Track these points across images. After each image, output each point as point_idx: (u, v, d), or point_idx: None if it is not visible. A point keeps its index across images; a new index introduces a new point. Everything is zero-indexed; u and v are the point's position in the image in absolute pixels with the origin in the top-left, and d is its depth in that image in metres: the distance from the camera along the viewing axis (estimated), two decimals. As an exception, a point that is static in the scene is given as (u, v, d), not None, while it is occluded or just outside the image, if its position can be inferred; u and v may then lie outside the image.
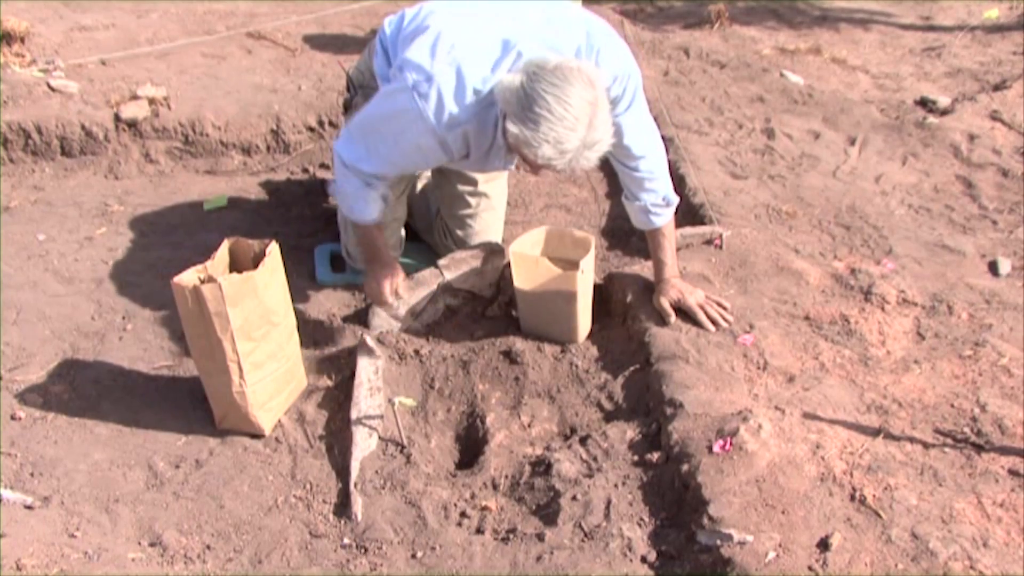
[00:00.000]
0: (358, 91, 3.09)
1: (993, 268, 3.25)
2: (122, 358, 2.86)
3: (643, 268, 3.07)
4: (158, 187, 3.88)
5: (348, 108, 3.19)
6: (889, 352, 2.77)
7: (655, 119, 4.10)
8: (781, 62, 4.98)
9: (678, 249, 3.18)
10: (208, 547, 2.25)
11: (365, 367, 2.70)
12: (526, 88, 2.34)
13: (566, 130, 2.32)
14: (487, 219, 3.27)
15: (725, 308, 2.84)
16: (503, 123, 2.48)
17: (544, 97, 2.31)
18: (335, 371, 2.83)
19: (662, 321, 2.80)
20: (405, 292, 2.90)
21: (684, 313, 2.82)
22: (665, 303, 2.81)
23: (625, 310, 2.93)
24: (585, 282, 2.82)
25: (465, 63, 2.50)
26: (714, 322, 2.79)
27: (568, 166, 2.42)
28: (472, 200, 3.24)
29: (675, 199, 2.89)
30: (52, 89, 4.07)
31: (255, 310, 2.45)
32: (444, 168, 3.16)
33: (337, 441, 2.58)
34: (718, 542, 2.09)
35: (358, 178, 2.73)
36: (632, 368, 2.73)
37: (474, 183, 3.22)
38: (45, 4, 5.02)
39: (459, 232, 3.29)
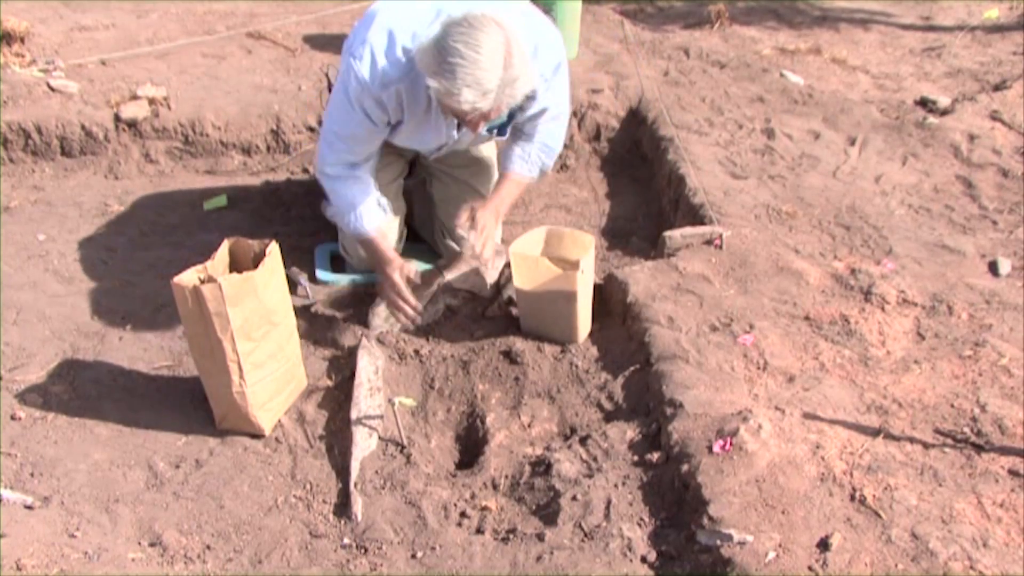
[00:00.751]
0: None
1: (993, 268, 3.25)
2: (122, 358, 2.86)
3: (643, 268, 3.07)
4: (158, 187, 3.88)
5: None
6: (889, 352, 2.77)
7: (655, 119, 4.15)
8: (781, 62, 4.98)
9: (678, 249, 3.19)
10: (208, 547, 2.25)
11: (365, 367, 2.71)
12: (439, 43, 2.44)
13: (483, 71, 2.41)
14: None
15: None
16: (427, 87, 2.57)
17: (455, 46, 2.40)
18: (335, 371, 2.83)
19: (663, 321, 2.80)
20: (416, 277, 2.91)
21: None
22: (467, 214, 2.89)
23: (625, 310, 2.93)
24: (585, 282, 2.82)
25: (396, 26, 2.63)
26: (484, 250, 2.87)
27: (495, 105, 2.51)
28: (468, 199, 3.24)
29: (552, 159, 3.10)
30: (52, 89, 4.07)
31: (255, 310, 2.45)
32: (435, 166, 3.21)
33: (337, 441, 2.58)
34: (718, 542, 2.09)
35: (335, 179, 2.85)
36: (632, 368, 2.73)
37: (473, 184, 3.23)
38: (45, 4, 5.02)
39: (460, 232, 3.29)
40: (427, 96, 2.67)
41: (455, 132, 2.92)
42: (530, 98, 2.78)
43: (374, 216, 2.90)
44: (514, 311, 3.01)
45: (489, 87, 2.43)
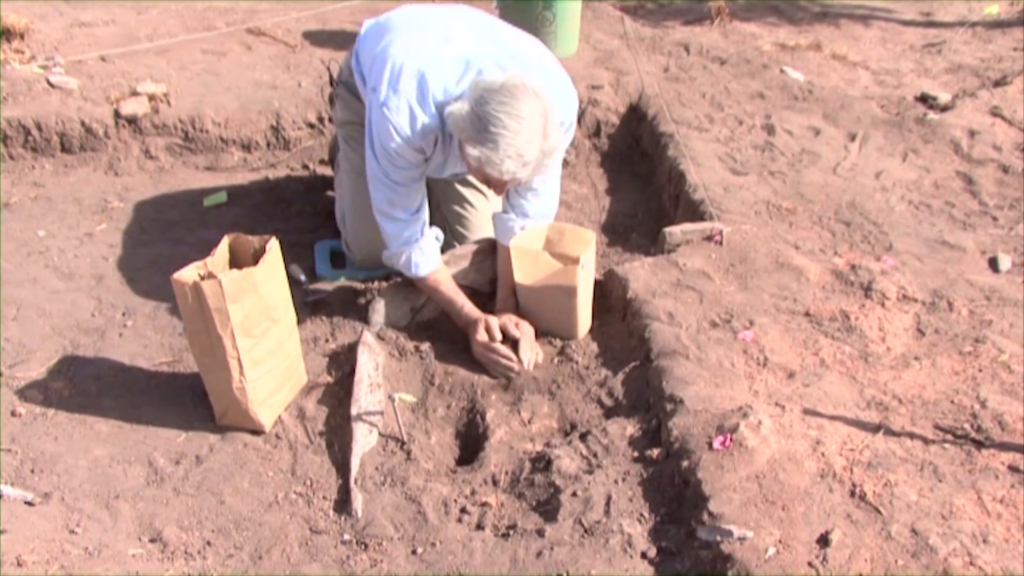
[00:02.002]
0: (339, 84, 3.20)
1: (993, 264, 3.25)
2: (122, 354, 2.86)
3: (643, 264, 3.07)
4: (158, 183, 3.88)
5: (332, 101, 3.32)
6: (889, 348, 2.77)
7: (655, 116, 4.15)
8: (781, 58, 4.97)
9: (678, 245, 3.18)
10: (208, 543, 2.25)
11: (365, 363, 2.70)
12: (477, 112, 2.46)
13: (525, 142, 2.44)
14: (486, 215, 3.27)
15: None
16: (460, 149, 2.61)
17: (497, 115, 2.43)
18: (335, 367, 2.83)
19: (663, 317, 2.80)
20: (512, 330, 2.84)
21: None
22: (497, 322, 2.84)
23: (625, 306, 2.93)
24: (585, 277, 2.82)
25: (425, 74, 2.64)
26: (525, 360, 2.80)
27: (532, 174, 2.56)
28: (470, 196, 3.26)
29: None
30: (52, 85, 4.07)
31: (255, 306, 2.45)
32: None
33: (337, 437, 2.58)
34: (718, 538, 2.09)
35: (402, 228, 2.85)
36: (632, 364, 2.73)
37: (477, 185, 3.23)
38: (45, 1, 5.02)
39: (458, 228, 3.30)
40: (453, 144, 2.72)
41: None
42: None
43: (429, 254, 2.91)
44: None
45: (530, 158, 2.47)
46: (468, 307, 2.91)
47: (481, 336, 2.80)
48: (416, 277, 2.93)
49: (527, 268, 2.84)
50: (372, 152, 2.78)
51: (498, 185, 2.63)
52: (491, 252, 3.09)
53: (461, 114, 2.50)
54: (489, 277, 3.11)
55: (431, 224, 3.42)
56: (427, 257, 2.90)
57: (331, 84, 3.33)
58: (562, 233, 2.96)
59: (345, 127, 3.21)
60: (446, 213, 3.32)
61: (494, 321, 2.83)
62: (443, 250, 3.22)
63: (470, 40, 2.74)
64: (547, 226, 2.97)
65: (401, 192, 2.81)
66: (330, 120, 4.07)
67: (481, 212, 3.28)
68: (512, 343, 2.80)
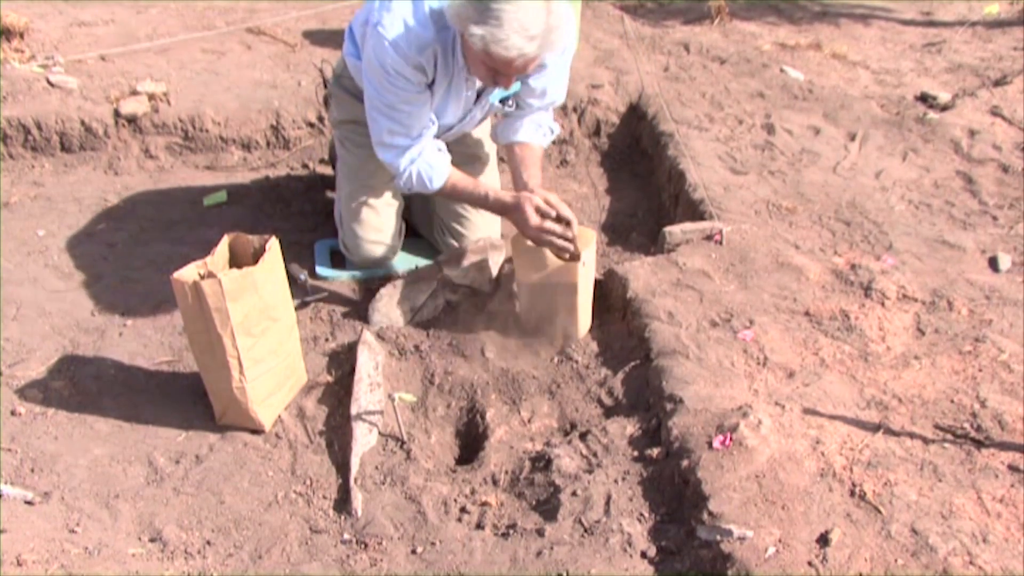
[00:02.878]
0: (334, 83, 3.22)
1: (993, 264, 3.25)
2: (122, 354, 2.86)
3: (643, 263, 3.07)
4: (158, 183, 3.88)
5: (327, 101, 3.32)
6: (889, 348, 2.77)
7: (655, 115, 4.15)
8: (781, 58, 4.97)
9: (677, 245, 3.18)
10: (208, 543, 2.25)
11: (365, 363, 2.71)
12: None
13: (529, 16, 2.44)
14: (483, 217, 3.28)
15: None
16: (462, 38, 2.59)
17: None
18: (335, 367, 2.83)
19: (663, 317, 2.80)
20: (557, 202, 2.77)
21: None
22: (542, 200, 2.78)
23: (625, 306, 2.93)
24: (586, 275, 2.82)
25: None
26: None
27: (539, 52, 2.53)
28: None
29: (558, 131, 3.16)
30: (51, 85, 4.06)
31: (255, 306, 2.45)
32: None
33: (337, 437, 2.58)
34: (718, 537, 2.09)
35: (400, 151, 2.82)
36: (632, 364, 2.73)
37: None
38: (44, 0, 5.01)
39: (457, 228, 3.30)
40: (453, 57, 2.71)
41: (473, 104, 2.95)
42: (542, 66, 2.80)
43: (442, 163, 2.89)
44: (516, 306, 3.01)
45: (535, 32, 2.45)
46: (499, 194, 2.89)
47: (534, 219, 2.73)
48: (434, 190, 2.91)
49: (529, 265, 2.84)
50: (369, 80, 2.76)
51: (505, 72, 2.60)
52: (491, 251, 3.09)
53: (461, 3, 2.48)
54: (489, 276, 3.11)
55: (431, 228, 3.44)
56: (436, 167, 2.87)
57: (324, 85, 3.32)
58: None
59: (341, 127, 3.21)
60: (443, 215, 3.33)
61: (539, 200, 2.75)
62: (441, 251, 3.23)
63: None
64: None
65: (401, 118, 2.77)
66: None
67: (482, 214, 3.28)
68: (562, 221, 2.73)
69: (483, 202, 2.93)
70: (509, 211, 2.83)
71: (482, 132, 3.35)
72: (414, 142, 2.83)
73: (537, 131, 3.04)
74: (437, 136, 2.98)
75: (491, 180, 3.35)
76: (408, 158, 2.84)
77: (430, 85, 2.78)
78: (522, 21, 2.42)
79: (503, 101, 2.99)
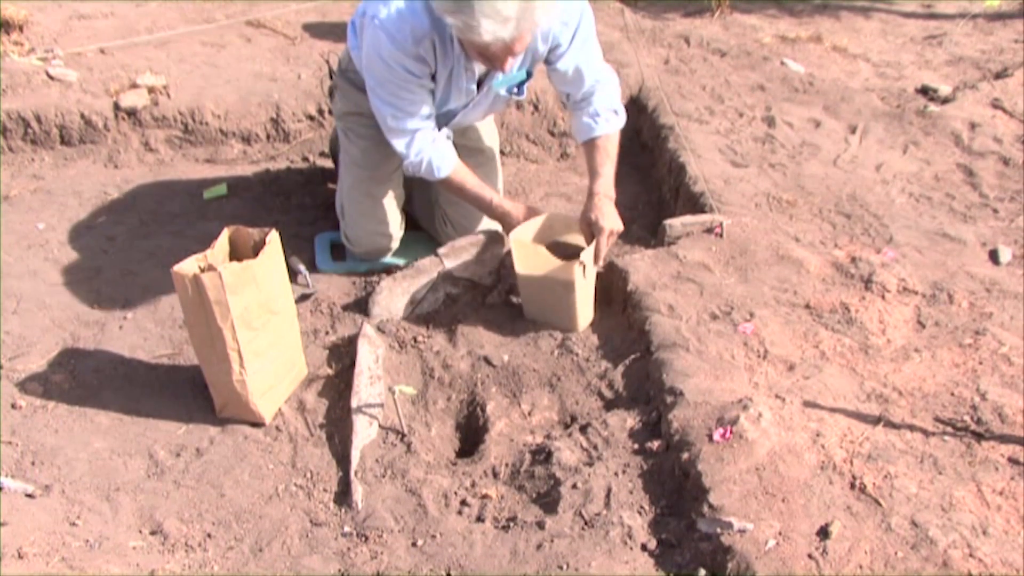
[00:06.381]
0: (339, 75, 3.21)
1: (994, 256, 3.25)
2: (122, 347, 2.86)
3: (644, 256, 3.07)
4: (158, 176, 3.88)
5: (332, 94, 3.31)
6: (889, 340, 2.77)
7: (656, 108, 4.14)
8: (782, 50, 4.96)
9: (678, 237, 3.18)
10: (209, 535, 2.26)
11: (365, 355, 2.71)
12: None
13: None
14: None
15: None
16: (449, 29, 2.59)
17: None
18: (335, 359, 2.83)
19: (663, 310, 2.80)
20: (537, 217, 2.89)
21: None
22: (587, 222, 2.85)
23: (625, 298, 2.93)
24: (587, 273, 2.81)
25: None
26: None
27: (517, 33, 2.51)
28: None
29: (623, 112, 3.04)
30: (51, 78, 4.06)
31: (255, 298, 2.45)
32: None
33: (337, 429, 2.58)
34: (718, 530, 2.09)
35: (408, 136, 2.85)
36: (632, 356, 2.73)
37: (476, 174, 3.23)
38: (44, -7, 5.00)
39: (458, 221, 3.30)
40: (452, 46, 2.71)
41: (475, 88, 2.94)
42: (556, 48, 2.80)
43: (447, 154, 2.91)
44: (515, 298, 3.01)
45: (508, 13, 2.44)
46: (498, 200, 2.95)
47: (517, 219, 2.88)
48: (440, 179, 2.94)
49: (527, 261, 2.84)
50: (369, 72, 2.78)
51: (493, 56, 2.60)
52: (492, 244, 3.09)
53: None
54: (490, 269, 3.10)
55: (432, 220, 3.44)
56: (445, 156, 2.90)
57: (330, 76, 3.33)
58: (567, 224, 2.95)
59: (345, 119, 3.20)
60: (446, 206, 3.32)
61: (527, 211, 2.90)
62: (442, 243, 3.22)
63: None
64: (549, 216, 2.96)
65: (404, 105, 2.79)
66: (330, 112, 4.06)
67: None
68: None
69: (486, 206, 2.97)
70: (509, 222, 2.89)
71: (486, 126, 3.34)
72: (423, 125, 2.84)
73: (599, 120, 2.97)
74: (440, 126, 2.99)
75: (492, 174, 3.35)
76: (418, 145, 2.86)
77: (433, 76, 2.79)
78: (493, 5, 2.41)
79: (511, 91, 2.99)
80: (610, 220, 2.85)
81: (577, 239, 2.88)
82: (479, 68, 2.85)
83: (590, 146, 2.99)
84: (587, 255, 2.78)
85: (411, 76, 2.73)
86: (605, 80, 3.00)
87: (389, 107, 2.81)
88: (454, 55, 2.75)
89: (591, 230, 2.85)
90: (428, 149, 2.87)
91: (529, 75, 2.95)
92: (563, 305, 2.85)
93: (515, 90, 2.99)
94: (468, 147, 3.24)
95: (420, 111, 2.83)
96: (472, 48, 2.60)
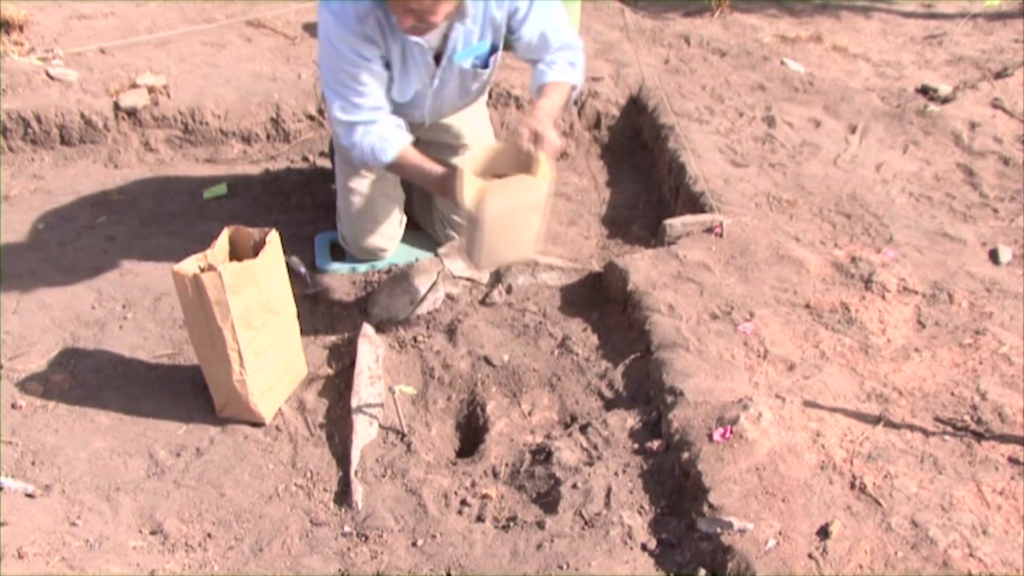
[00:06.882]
0: None
1: (994, 256, 3.25)
2: (122, 347, 2.86)
3: (644, 256, 3.07)
4: (158, 176, 3.88)
5: (324, 96, 3.28)
6: (889, 340, 2.77)
7: (656, 107, 4.14)
8: (782, 50, 4.96)
9: (678, 237, 3.18)
10: (209, 535, 2.26)
11: (365, 355, 2.71)
12: None
13: None
14: None
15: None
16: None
17: None
18: (335, 359, 2.83)
19: (663, 309, 2.80)
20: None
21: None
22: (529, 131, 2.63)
23: (625, 298, 2.93)
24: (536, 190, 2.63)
25: None
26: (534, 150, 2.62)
27: None
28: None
29: (582, 70, 2.94)
30: (51, 78, 4.06)
31: (255, 298, 2.45)
32: (432, 152, 3.19)
33: (337, 429, 2.58)
34: (718, 530, 2.09)
35: (353, 127, 2.78)
36: (632, 356, 2.73)
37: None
38: (44, -8, 5.01)
39: (458, 220, 3.30)
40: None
41: (432, 61, 2.87)
42: (514, 14, 2.78)
43: (395, 135, 2.82)
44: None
45: None
46: (437, 168, 2.80)
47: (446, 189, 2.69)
48: (386, 164, 2.83)
49: (479, 196, 2.60)
50: (322, 60, 2.79)
51: (417, 12, 2.54)
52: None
53: None
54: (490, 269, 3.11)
55: (431, 221, 3.44)
56: (390, 140, 2.79)
57: None
58: (510, 156, 2.72)
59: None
60: (443, 208, 3.33)
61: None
62: (442, 243, 3.22)
63: None
64: (492, 148, 2.78)
65: (352, 92, 2.74)
66: (330, 112, 4.07)
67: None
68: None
69: (423, 177, 2.84)
70: (441, 183, 2.75)
71: (475, 122, 3.31)
72: (370, 116, 2.78)
73: (554, 67, 2.88)
74: (416, 112, 2.97)
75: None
76: (361, 131, 2.78)
77: (388, 65, 2.77)
78: None
79: (476, 65, 2.93)
80: (551, 132, 2.64)
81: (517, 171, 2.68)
82: (430, 39, 2.78)
83: (540, 90, 2.84)
84: (544, 171, 2.61)
85: (361, 59, 2.69)
86: (573, 45, 2.92)
87: (338, 99, 2.76)
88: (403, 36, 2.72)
89: (530, 150, 2.62)
90: (371, 135, 2.78)
91: (495, 48, 2.91)
92: (526, 231, 2.68)
93: (479, 63, 2.93)
94: (456, 146, 3.22)
95: (368, 102, 2.77)
96: (402, 13, 2.55)
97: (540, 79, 2.87)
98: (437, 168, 2.80)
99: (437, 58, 2.87)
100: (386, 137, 2.80)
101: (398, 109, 2.94)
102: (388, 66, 2.80)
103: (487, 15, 2.80)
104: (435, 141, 3.18)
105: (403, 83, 2.88)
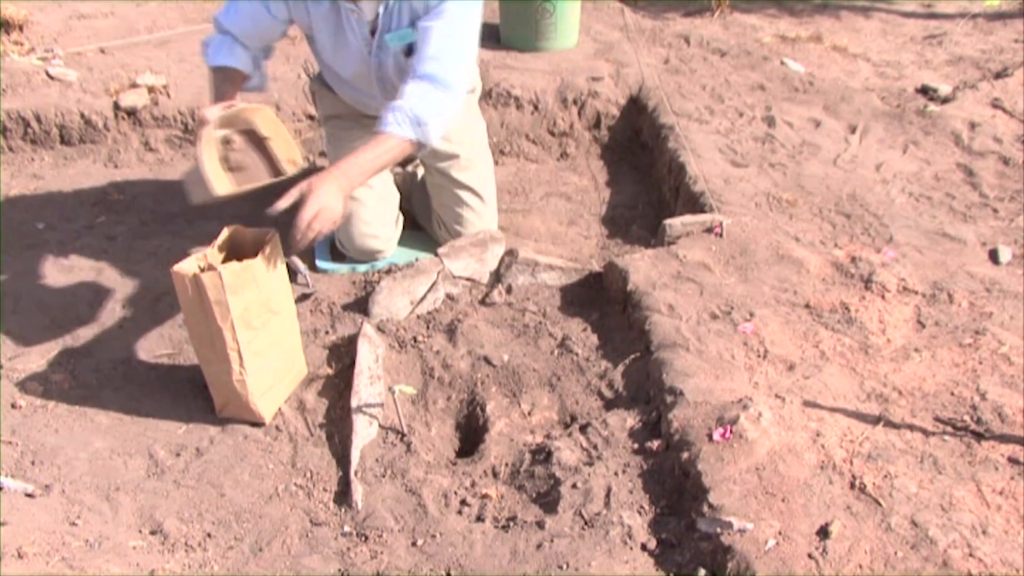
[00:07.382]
0: (314, 80, 3.28)
1: (994, 256, 3.25)
2: (122, 347, 2.86)
3: (643, 256, 3.07)
4: (158, 175, 3.88)
5: (314, 97, 3.39)
6: (889, 340, 2.77)
7: (656, 107, 4.14)
8: (782, 50, 4.96)
9: (678, 237, 3.18)
10: (209, 535, 2.26)
11: (365, 355, 2.71)
12: None
13: None
14: (482, 215, 3.30)
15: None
16: None
17: None
18: (335, 359, 2.83)
19: (663, 309, 2.80)
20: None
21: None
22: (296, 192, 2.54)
23: (625, 298, 2.93)
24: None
25: None
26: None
27: None
28: (467, 198, 3.27)
29: (432, 133, 2.68)
30: (51, 77, 4.06)
31: (255, 298, 2.45)
32: (425, 159, 3.21)
33: (337, 429, 2.58)
34: (718, 530, 2.09)
35: (219, 32, 2.90)
36: (632, 356, 2.73)
37: (468, 185, 3.24)
38: (43, -8, 5.01)
39: (456, 227, 3.32)
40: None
41: (369, 34, 2.88)
42: (428, 7, 2.76)
43: (234, 54, 2.90)
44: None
45: None
46: (214, 102, 2.84)
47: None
48: (207, 64, 2.92)
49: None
50: None
51: None
52: (492, 243, 3.09)
53: None
54: (490, 269, 3.11)
55: (430, 221, 3.43)
56: (219, 51, 2.88)
57: (309, 77, 3.35)
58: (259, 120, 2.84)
59: (327, 123, 3.23)
60: (442, 213, 3.33)
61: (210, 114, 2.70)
62: (441, 243, 3.22)
63: None
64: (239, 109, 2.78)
65: (242, 19, 2.86)
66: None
67: (477, 212, 3.30)
68: None
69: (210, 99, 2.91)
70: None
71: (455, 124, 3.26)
72: (229, 27, 2.88)
73: (397, 117, 2.64)
74: (372, 102, 3.02)
75: (480, 179, 3.32)
76: (219, 37, 2.90)
77: (310, 36, 2.89)
78: None
79: (407, 54, 2.90)
80: (312, 205, 2.49)
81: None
82: (365, 9, 2.81)
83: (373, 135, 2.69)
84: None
85: (262, 4, 2.81)
86: (445, 85, 2.71)
87: (232, 10, 2.87)
88: (344, 12, 2.79)
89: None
90: (216, 37, 2.90)
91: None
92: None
93: (406, 49, 2.90)
94: (439, 152, 3.21)
95: (248, 35, 2.89)
96: None
97: (379, 125, 2.67)
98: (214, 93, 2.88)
99: (374, 33, 2.90)
100: (221, 48, 2.88)
101: (358, 99, 3.03)
102: (296, 23, 2.89)
103: (410, 5, 2.81)
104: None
105: (341, 50, 2.93)
